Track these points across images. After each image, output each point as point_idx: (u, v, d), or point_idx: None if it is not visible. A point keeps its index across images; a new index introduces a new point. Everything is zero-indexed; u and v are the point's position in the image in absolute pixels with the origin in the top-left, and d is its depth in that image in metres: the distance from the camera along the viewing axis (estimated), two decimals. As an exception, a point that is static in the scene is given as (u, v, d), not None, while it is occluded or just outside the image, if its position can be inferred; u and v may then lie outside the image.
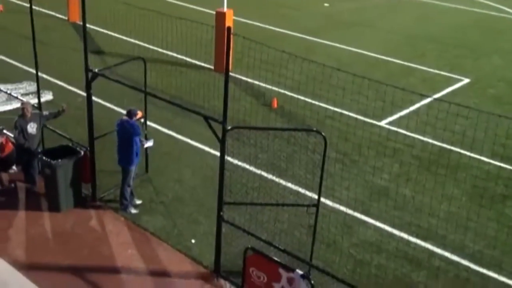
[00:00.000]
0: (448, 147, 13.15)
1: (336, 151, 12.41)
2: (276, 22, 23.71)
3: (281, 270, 7.69)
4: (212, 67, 17.65)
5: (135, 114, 10.21)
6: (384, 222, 10.51)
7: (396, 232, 10.27)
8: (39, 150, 10.81)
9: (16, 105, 13.09)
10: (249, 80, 15.85)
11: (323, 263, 9.05)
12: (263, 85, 14.81)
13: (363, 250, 9.76)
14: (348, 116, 14.29)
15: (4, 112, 13.63)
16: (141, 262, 9.27)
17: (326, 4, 27.90)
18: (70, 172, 10.25)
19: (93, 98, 10.41)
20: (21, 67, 16.41)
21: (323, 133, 8.44)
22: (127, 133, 10.12)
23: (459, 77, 18.51)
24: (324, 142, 8.26)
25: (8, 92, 13.37)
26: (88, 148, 10.53)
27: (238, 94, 15.10)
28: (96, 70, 10.03)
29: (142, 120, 10.97)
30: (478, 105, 15.53)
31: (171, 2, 25.93)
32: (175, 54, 17.85)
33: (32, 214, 10.36)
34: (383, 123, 14.47)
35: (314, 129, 9.42)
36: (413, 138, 13.61)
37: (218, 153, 8.57)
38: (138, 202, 10.70)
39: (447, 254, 9.70)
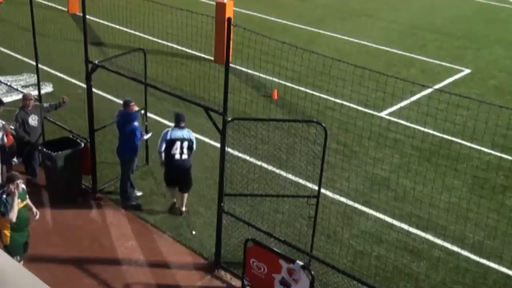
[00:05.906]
0: (449, 138, 13.15)
1: (336, 142, 12.41)
2: (277, 13, 23.62)
3: (281, 261, 7.70)
4: (212, 58, 17.61)
5: (130, 102, 10.18)
6: (384, 213, 10.52)
7: (396, 223, 10.28)
8: (40, 142, 10.81)
9: (16, 97, 13.07)
10: (250, 71, 15.79)
11: (323, 254, 9.07)
12: (264, 76, 14.76)
13: (363, 241, 9.77)
14: (349, 107, 14.26)
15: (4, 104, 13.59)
16: (142, 254, 9.29)
17: None
18: (70, 164, 10.25)
19: (93, 89, 10.40)
20: (21, 59, 16.37)
21: (323, 124, 8.44)
22: (126, 122, 10.10)
23: (460, 67, 18.44)
24: (325, 133, 8.26)
25: (8, 84, 13.34)
26: (89, 140, 10.53)
27: (239, 85, 15.08)
28: (96, 61, 10.01)
29: (143, 111, 10.96)
30: (479, 95, 15.50)
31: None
32: (175, 45, 17.79)
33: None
34: (383, 114, 14.44)
35: (315, 120, 9.41)
36: (414, 129, 13.59)
37: (218, 145, 8.57)
38: (139, 193, 10.70)
39: (447, 244, 9.70)
